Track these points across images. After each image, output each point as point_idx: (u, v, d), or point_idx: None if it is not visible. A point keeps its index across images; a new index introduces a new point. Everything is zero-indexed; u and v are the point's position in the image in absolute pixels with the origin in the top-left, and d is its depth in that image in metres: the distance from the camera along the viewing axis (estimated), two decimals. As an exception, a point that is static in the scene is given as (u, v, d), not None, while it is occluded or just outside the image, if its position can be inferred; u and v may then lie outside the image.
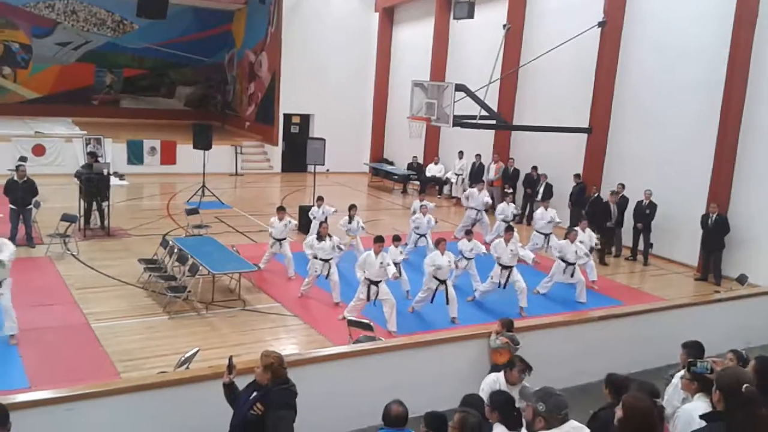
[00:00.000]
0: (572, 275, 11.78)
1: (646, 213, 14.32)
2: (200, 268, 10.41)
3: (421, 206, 13.85)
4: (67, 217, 12.98)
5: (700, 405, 4.64)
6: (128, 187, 19.77)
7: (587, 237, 12.51)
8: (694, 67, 14.14)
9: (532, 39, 18.08)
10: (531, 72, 17.51)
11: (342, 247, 11.42)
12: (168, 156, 22.14)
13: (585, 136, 16.16)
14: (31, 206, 13.07)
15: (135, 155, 21.84)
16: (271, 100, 24.92)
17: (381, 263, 9.72)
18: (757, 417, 3.81)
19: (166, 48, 28.37)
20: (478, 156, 19.46)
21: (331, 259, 10.98)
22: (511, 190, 17.29)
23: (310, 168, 17.44)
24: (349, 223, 12.88)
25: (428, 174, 21.53)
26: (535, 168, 17.50)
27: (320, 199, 13.78)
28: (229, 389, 5.21)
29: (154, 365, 7.88)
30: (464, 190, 17.55)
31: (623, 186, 14.84)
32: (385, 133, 25.17)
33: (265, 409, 4.87)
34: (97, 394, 5.99)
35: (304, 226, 14.40)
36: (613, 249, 14.94)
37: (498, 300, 11.25)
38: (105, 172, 14.58)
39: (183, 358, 6.83)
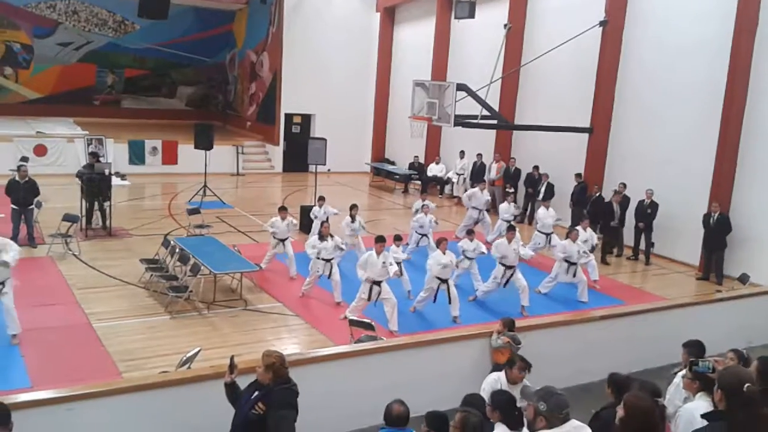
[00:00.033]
0: (574, 275, 11.79)
1: (647, 212, 14.30)
2: (202, 267, 10.42)
3: (423, 206, 13.85)
4: (68, 217, 12.99)
5: (701, 404, 4.64)
6: (130, 187, 19.78)
7: (589, 236, 12.53)
8: (695, 66, 14.12)
9: (533, 38, 18.07)
10: (532, 71, 17.50)
11: (344, 246, 11.43)
12: (169, 156, 22.15)
13: (586, 135, 16.15)
14: (33, 206, 13.09)
15: (136, 155, 21.86)
16: (272, 99, 24.91)
17: (383, 263, 9.71)
18: (759, 416, 3.80)
19: (167, 48, 28.38)
20: (480, 155, 19.42)
21: (332, 258, 10.99)
22: (512, 190, 17.25)
23: (312, 168, 17.47)
24: (352, 222, 12.88)
25: (429, 174, 21.51)
26: (536, 167, 17.48)
27: (321, 198, 13.77)
28: (231, 389, 5.22)
29: (156, 365, 7.89)
30: (465, 190, 17.54)
31: (624, 185, 14.82)
32: (387, 132, 25.11)
33: (266, 408, 4.88)
34: (99, 394, 6.00)
35: (305, 226, 14.41)
36: (615, 249, 14.93)
37: (499, 299, 11.26)
38: (106, 172, 14.58)
39: (185, 358, 6.84)
